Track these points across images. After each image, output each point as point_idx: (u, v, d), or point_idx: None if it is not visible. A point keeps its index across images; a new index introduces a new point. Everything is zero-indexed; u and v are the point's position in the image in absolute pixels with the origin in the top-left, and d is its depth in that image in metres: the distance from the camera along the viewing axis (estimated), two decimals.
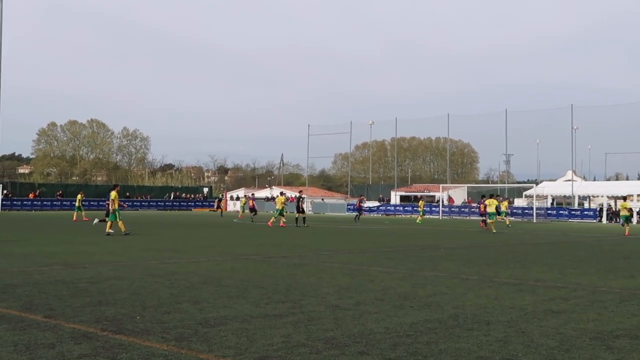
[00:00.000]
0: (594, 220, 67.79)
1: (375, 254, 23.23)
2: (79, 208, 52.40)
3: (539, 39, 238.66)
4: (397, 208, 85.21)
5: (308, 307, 11.39)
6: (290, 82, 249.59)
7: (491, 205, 44.30)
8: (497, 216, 45.97)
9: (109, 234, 31.59)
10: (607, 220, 67.41)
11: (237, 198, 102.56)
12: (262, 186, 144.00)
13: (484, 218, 48.30)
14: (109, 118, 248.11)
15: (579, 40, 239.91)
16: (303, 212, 47.53)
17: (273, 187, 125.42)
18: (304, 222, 46.32)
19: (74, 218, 51.06)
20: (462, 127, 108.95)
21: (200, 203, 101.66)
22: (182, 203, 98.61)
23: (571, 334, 9.50)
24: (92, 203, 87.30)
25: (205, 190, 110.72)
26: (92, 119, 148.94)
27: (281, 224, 45.66)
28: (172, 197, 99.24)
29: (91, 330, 9.28)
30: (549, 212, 72.70)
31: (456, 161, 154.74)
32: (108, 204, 34.08)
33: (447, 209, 78.33)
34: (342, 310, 11.12)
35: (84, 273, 16.08)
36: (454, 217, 75.22)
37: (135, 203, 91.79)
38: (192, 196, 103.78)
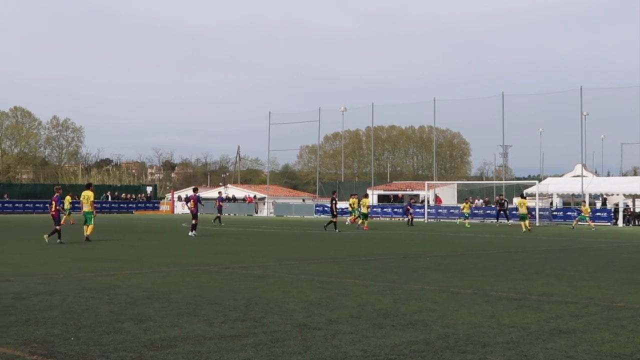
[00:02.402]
0: (609, 223, 67.95)
1: (350, 264, 23.25)
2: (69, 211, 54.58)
3: (542, 9, 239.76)
4: (375, 209, 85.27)
5: (271, 327, 11.38)
6: (248, 63, 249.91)
7: (522, 205, 53.36)
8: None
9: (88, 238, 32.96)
10: (624, 222, 67.65)
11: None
12: (215, 184, 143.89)
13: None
14: (36, 106, 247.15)
15: (590, 10, 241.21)
16: (335, 215, 49.51)
17: (228, 185, 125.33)
18: (332, 227, 48.28)
19: (71, 221, 53.05)
20: (451, 113, 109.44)
21: (143, 204, 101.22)
22: (121, 204, 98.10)
23: (582, 357, 9.54)
24: (17, 205, 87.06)
25: (149, 189, 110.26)
26: (15, 107, 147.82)
27: (365, 226, 51.22)
28: (109, 198, 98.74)
29: (18, 354, 9.23)
30: (554, 213, 73.02)
31: (444, 154, 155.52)
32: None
33: (433, 210, 78.54)
34: (311, 330, 11.13)
35: (9, 287, 16.00)
36: (441, 220, 75.38)
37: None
38: (134, 196, 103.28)
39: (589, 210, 62.26)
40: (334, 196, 51.39)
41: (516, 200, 59.70)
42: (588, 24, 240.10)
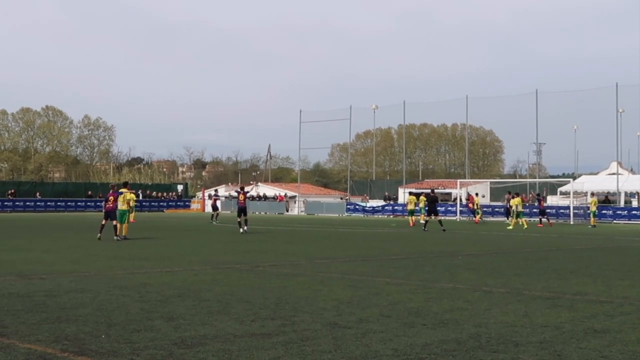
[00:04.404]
0: None
1: (381, 263, 23.24)
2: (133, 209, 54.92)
3: (576, 5, 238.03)
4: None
5: (302, 325, 11.39)
6: (279, 62, 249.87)
7: (518, 203, 54.83)
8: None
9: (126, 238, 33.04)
10: None
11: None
12: (246, 183, 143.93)
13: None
14: (67, 105, 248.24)
15: (624, 6, 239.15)
16: (437, 213, 49.35)
17: (259, 183, 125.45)
18: (427, 225, 48.31)
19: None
20: (484, 111, 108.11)
21: (174, 203, 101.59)
22: (152, 203, 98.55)
23: (617, 357, 9.48)
24: (49, 204, 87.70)
25: (180, 188, 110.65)
26: (47, 106, 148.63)
27: (410, 223, 55.01)
28: (140, 196, 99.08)
29: (49, 351, 9.31)
30: (589, 212, 72.47)
31: (476, 152, 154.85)
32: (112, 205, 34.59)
33: (465, 208, 78.15)
34: (341, 329, 11.13)
35: (41, 285, 16.13)
36: (474, 218, 75.01)
37: (98, 203, 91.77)
38: (165, 195, 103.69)
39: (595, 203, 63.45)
40: (427, 193, 51.37)
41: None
42: (623, 20, 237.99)
